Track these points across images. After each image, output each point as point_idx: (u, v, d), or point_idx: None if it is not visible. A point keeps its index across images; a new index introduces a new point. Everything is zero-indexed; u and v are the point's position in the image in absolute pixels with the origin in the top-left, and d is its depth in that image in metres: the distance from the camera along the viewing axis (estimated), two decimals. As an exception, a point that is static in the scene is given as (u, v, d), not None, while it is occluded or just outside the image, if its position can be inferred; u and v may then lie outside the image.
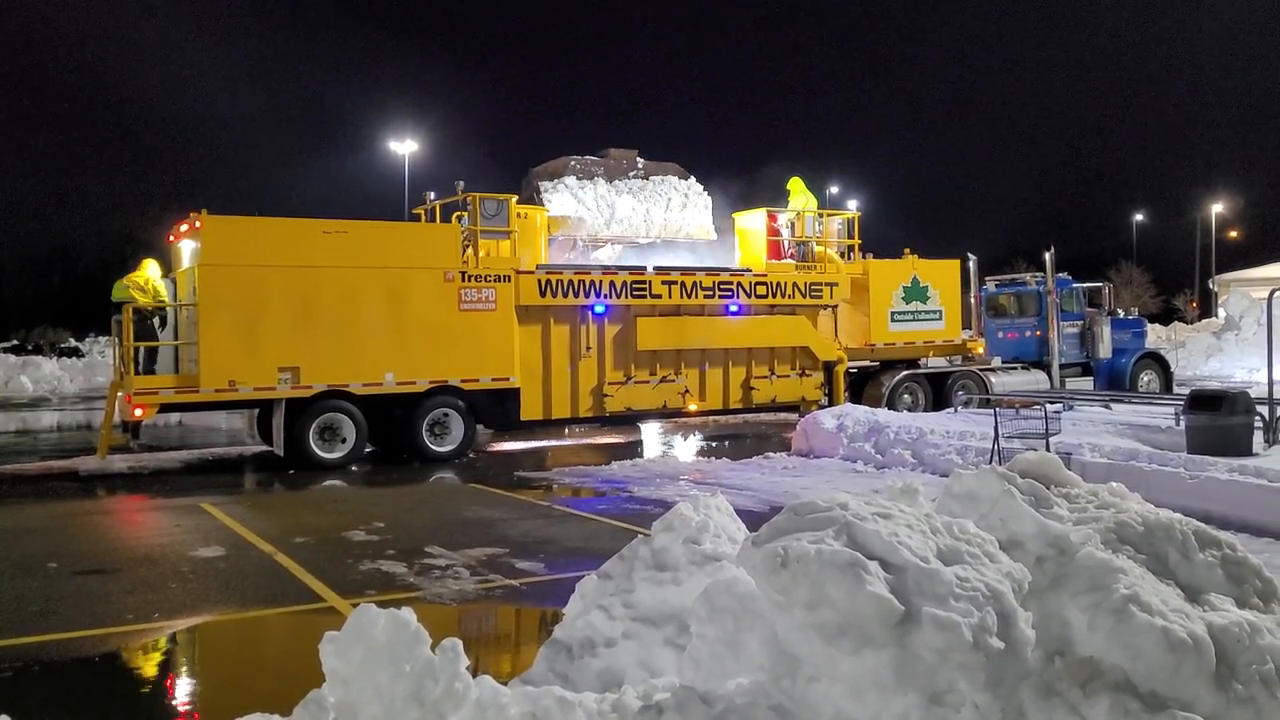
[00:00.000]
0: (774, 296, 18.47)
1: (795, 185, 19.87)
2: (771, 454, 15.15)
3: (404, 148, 45.11)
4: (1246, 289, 41.17)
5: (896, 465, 13.43)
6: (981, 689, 3.15)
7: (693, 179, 19.65)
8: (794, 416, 18.06)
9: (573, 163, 18.81)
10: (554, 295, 16.51)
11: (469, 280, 15.75)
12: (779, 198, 20.10)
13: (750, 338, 18.27)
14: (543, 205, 17.94)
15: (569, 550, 9.04)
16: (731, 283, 18.11)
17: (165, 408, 14.93)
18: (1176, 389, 21.45)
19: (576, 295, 16.70)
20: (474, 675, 3.47)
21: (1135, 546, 3.67)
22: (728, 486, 12.06)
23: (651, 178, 19.25)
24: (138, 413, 14.10)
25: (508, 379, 16.04)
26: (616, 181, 18.81)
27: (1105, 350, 21.39)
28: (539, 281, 16.37)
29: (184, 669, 6.45)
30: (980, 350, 21.07)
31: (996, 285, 22.98)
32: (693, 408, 17.94)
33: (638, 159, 19.34)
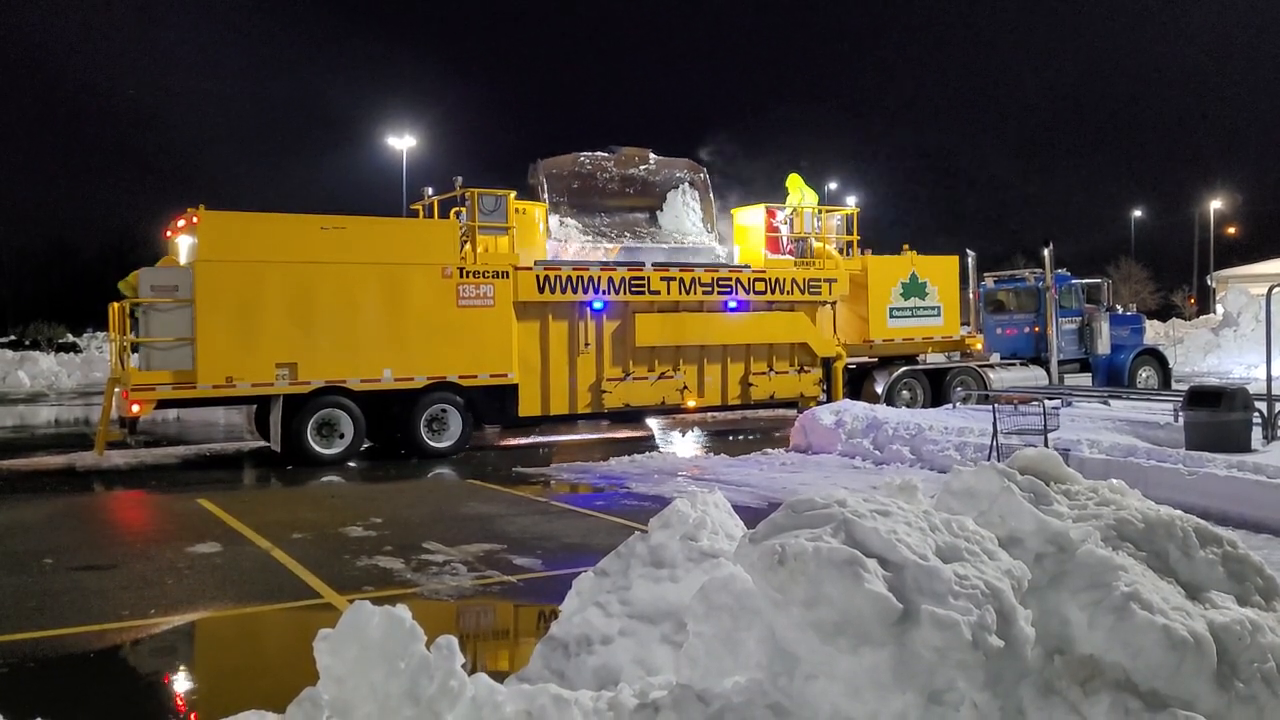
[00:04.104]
0: (772, 293, 18.44)
1: (793, 181, 19.84)
2: (770, 450, 15.14)
3: (402, 143, 45.04)
4: (1245, 285, 41.25)
5: (895, 461, 13.41)
6: (981, 687, 3.13)
7: (704, 172, 19.55)
8: (792, 413, 18.04)
9: (582, 158, 18.69)
10: (552, 291, 16.48)
11: (467, 276, 15.72)
12: (778, 193, 20.06)
13: (749, 334, 18.25)
14: (544, 200, 17.84)
15: (566, 546, 9.02)
16: (730, 279, 18.07)
17: (163, 404, 14.89)
18: (1175, 385, 21.45)
19: (575, 291, 16.67)
20: (470, 673, 3.45)
21: (1136, 544, 3.65)
22: (726, 483, 12.05)
23: (669, 193, 19.15)
24: (135, 408, 14.06)
25: (506, 375, 16.02)
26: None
27: (1104, 346, 21.39)
28: (537, 277, 16.34)
29: (179, 665, 6.42)
30: (979, 346, 21.05)
31: (995, 281, 23.00)
32: (691, 404, 17.92)
33: (650, 155, 19.21)
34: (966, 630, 3.09)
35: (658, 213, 19.26)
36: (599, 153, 18.90)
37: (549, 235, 17.57)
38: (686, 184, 19.42)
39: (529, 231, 17.02)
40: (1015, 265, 42.42)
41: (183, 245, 15.33)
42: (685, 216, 19.20)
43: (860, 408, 15.36)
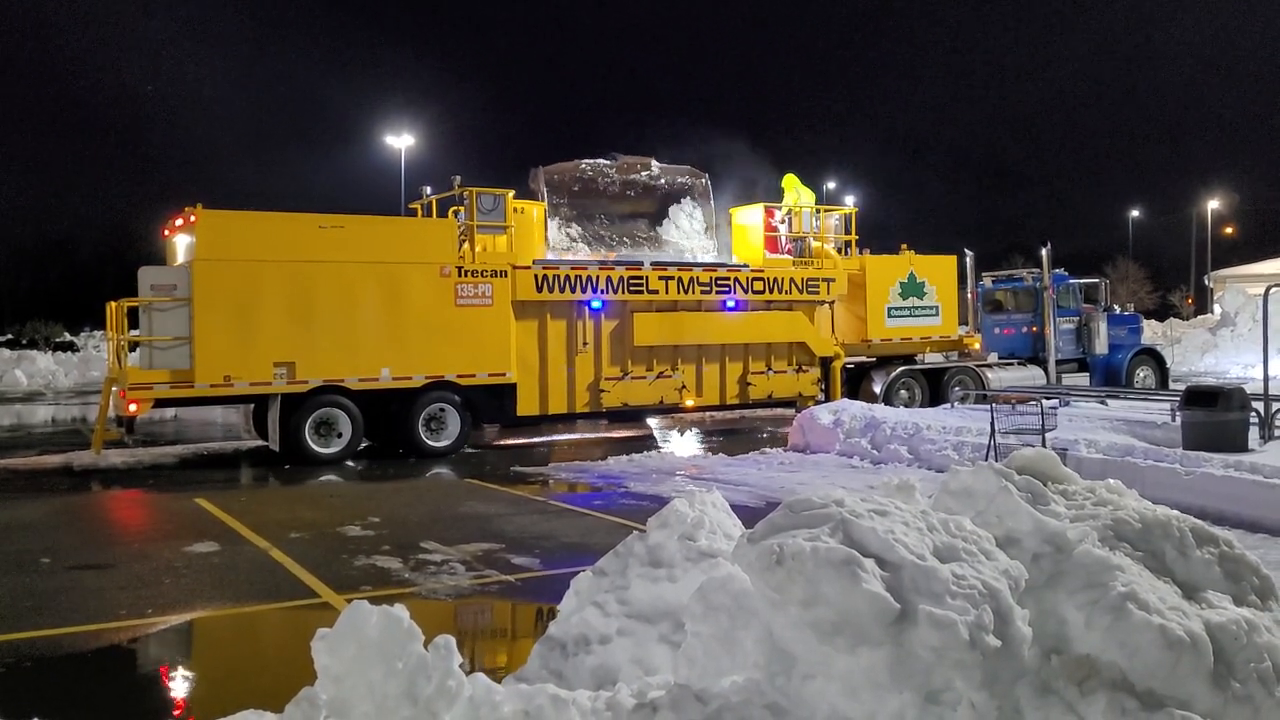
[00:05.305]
0: (771, 292, 18.44)
1: (789, 181, 19.83)
2: (768, 450, 15.14)
3: (401, 142, 45.00)
4: (1242, 285, 41.34)
5: (893, 461, 13.42)
6: (978, 687, 3.14)
7: (706, 178, 19.50)
8: (791, 412, 18.03)
9: (584, 165, 18.67)
10: (550, 290, 16.48)
11: (465, 275, 15.71)
12: (776, 194, 20.04)
13: (747, 333, 18.25)
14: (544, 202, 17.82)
15: (565, 546, 9.02)
16: (728, 278, 18.07)
17: (160, 403, 14.89)
18: (1172, 385, 21.47)
19: (573, 290, 16.67)
20: (468, 672, 3.45)
21: (1132, 544, 3.65)
22: (724, 482, 12.05)
23: (670, 200, 19.11)
24: (132, 408, 14.05)
25: (504, 374, 16.01)
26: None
27: (1101, 346, 21.41)
28: (535, 276, 16.34)
29: (177, 665, 6.42)
30: (977, 346, 21.07)
31: (993, 281, 23.02)
32: (689, 403, 17.92)
33: (652, 163, 19.16)
34: (964, 630, 3.10)
35: (658, 219, 19.23)
36: (600, 160, 18.88)
37: (548, 242, 17.54)
38: (689, 190, 19.37)
39: (527, 230, 17.01)
40: (1013, 265, 42.44)
41: (180, 244, 15.32)
42: (686, 224, 19.17)
43: (858, 407, 15.36)
